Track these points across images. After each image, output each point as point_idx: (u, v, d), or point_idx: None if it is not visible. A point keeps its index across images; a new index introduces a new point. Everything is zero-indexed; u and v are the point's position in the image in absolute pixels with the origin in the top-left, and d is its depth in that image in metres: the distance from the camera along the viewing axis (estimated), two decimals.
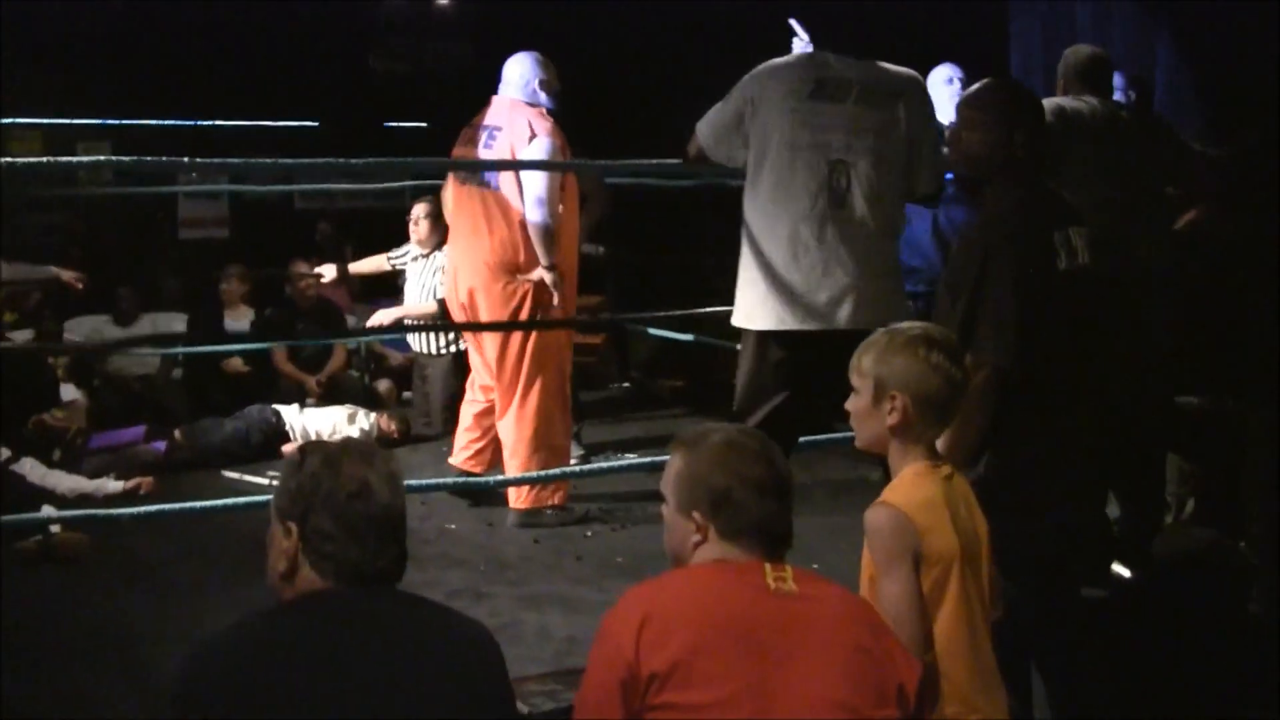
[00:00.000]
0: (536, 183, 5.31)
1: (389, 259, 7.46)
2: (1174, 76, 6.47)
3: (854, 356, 2.72)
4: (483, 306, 5.48)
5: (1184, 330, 4.84)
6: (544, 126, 5.37)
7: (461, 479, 5.62)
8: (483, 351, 5.65)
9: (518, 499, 5.48)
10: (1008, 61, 7.14)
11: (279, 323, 8.04)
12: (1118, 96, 6.12)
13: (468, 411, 5.83)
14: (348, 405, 7.17)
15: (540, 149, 5.34)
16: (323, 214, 10.85)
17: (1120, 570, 4.66)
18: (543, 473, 5.46)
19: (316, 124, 12.17)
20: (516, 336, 5.49)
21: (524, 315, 5.46)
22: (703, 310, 6.30)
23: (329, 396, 7.57)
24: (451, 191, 5.64)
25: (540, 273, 5.42)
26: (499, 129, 5.47)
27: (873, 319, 3.81)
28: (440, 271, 6.72)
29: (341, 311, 8.17)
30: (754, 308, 4.13)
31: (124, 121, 11.27)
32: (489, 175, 5.42)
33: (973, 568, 2.58)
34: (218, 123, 11.83)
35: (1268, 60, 5.88)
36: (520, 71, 5.56)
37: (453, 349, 7.28)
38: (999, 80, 3.63)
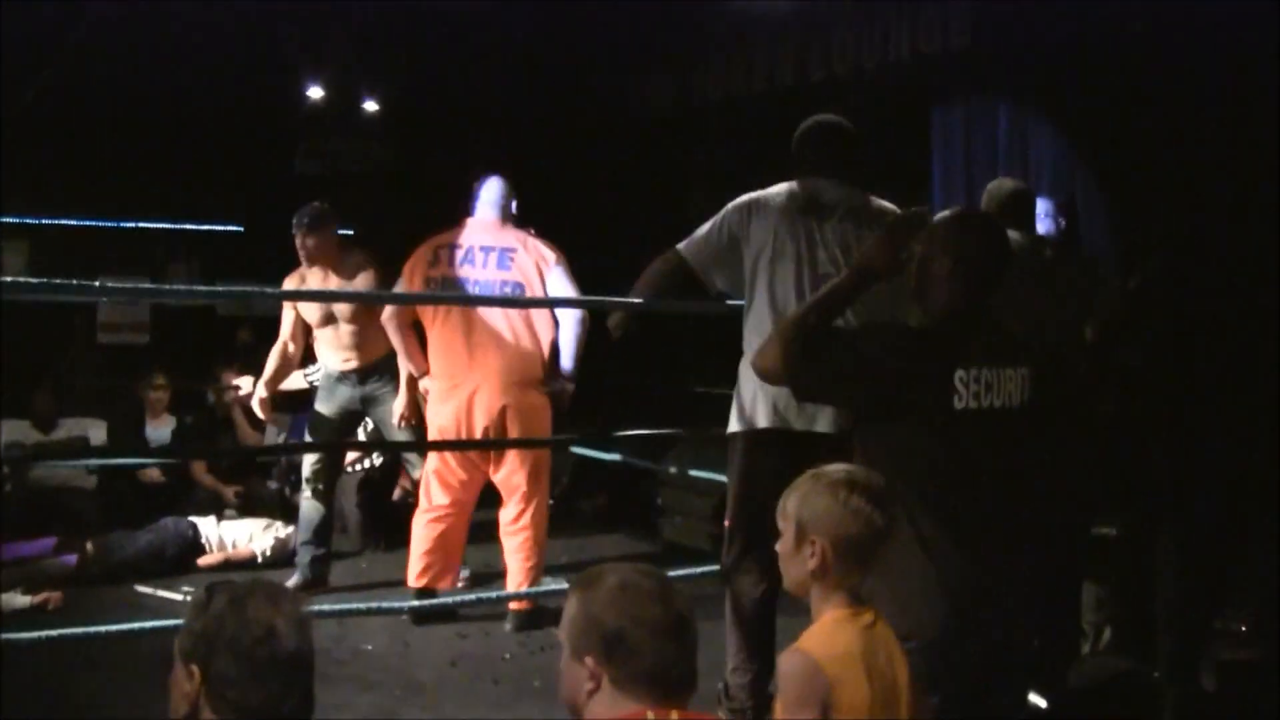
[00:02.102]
0: (574, 298, 5.62)
1: (305, 375, 7.40)
2: (1089, 193, 6.60)
3: (781, 498, 2.72)
4: (513, 420, 5.61)
5: (1097, 458, 4.90)
6: (551, 248, 5.69)
7: (428, 601, 5.67)
8: (491, 465, 5.72)
9: (519, 603, 5.68)
10: (930, 169, 7.27)
11: (201, 432, 7.95)
12: (1046, 223, 6.25)
13: (429, 530, 5.77)
14: (264, 517, 7.08)
15: (563, 272, 5.64)
16: (244, 320, 10.78)
17: (1036, 700, 4.66)
18: (497, 594, 5.76)
19: (240, 228, 12.21)
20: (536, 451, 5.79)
21: (547, 426, 5.75)
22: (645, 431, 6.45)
23: (246, 507, 7.49)
24: (439, 312, 5.68)
25: (562, 384, 5.72)
26: (510, 250, 5.65)
27: (822, 423, 4.10)
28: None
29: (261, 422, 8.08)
30: (743, 412, 4.25)
31: (42, 221, 11.28)
32: (497, 291, 5.59)
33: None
34: (139, 224, 11.84)
35: (1177, 178, 6.03)
36: (499, 193, 5.76)
37: (360, 467, 7.31)
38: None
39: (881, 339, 3.23)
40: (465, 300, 5.62)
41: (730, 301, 4.67)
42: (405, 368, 5.99)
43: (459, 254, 5.65)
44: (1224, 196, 5.82)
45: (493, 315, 5.63)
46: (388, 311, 5.83)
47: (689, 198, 8.96)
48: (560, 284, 5.64)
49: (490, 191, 5.77)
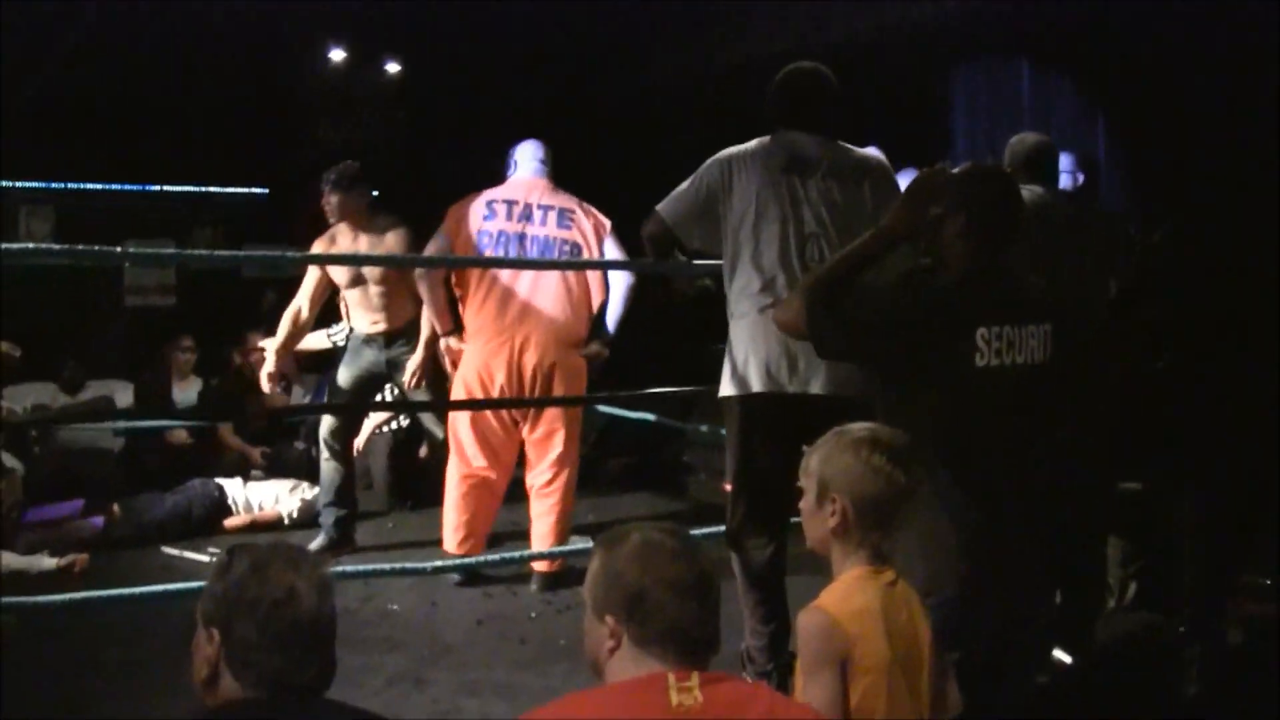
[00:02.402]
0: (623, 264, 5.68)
1: (329, 335, 7.40)
2: (1112, 151, 6.57)
3: (805, 456, 2.72)
4: (559, 379, 5.64)
5: (1121, 413, 4.87)
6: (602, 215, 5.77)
7: (455, 561, 5.59)
8: (528, 424, 5.71)
9: (545, 564, 5.70)
10: (951, 132, 7.24)
11: (228, 394, 7.99)
12: (1066, 178, 6.22)
13: (471, 494, 5.76)
14: (290, 479, 7.11)
15: (616, 239, 5.72)
16: (270, 282, 10.81)
17: (1061, 656, 4.66)
18: (523, 553, 5.75)
19: (266, 191, 12.24)
20: (575, 409, 5.82)
21: (584, 388, 5.81)
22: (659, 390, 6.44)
23: (273, 469, 7.53)
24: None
25: (600, 347, 5.80)
26: (569, 210, 5.71)
27: (847, 388, 3.99)
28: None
29: (290, 382, 8.11)
30: (736, 375, 4.17)
31: (68, 185, 11.33)
32: (549, 254, 5.63)
33: (909, 678, 2.54)
34: (164, 188, 11.89)
35: (1197, 140, 5.98)
36: (545, 153, 5.81)
37: (388, 428, 7.34)
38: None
39: (903, 297, 3.22)
40: (529, 264, 5.61)
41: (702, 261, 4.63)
42: (430, 324, 5.97)
43: (517, 209, 5.66)
44: (1242, 155, 5.78)
45: (551, 273, 5.64)
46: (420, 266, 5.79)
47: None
48: (615, 250, 5.70)
49: (537, 151, 5.78)
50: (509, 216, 5.63)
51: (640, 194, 4.55)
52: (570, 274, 5.65)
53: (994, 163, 3.78)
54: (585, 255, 5.65)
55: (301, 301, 6.50)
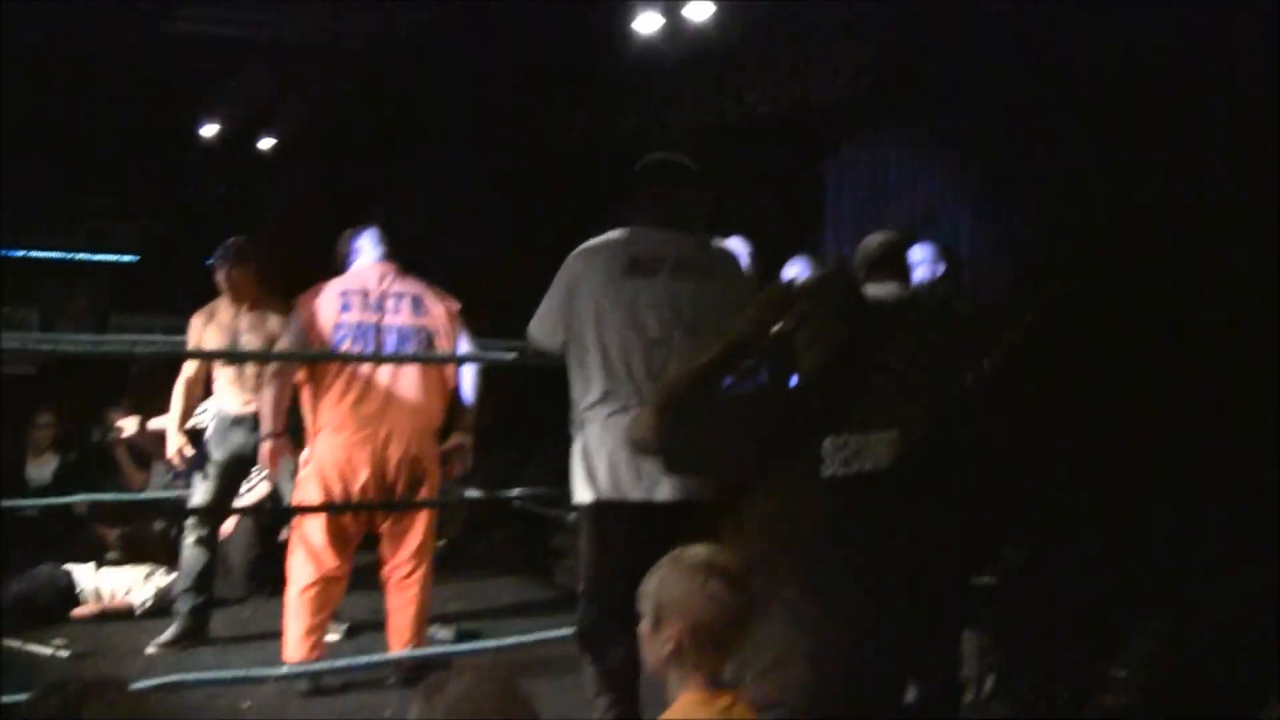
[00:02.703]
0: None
1: (201, 413, 7.22)
2: (979, 230, 6.68)
3: (645, 578, 2.69)
4: (427, 472, 5.54)
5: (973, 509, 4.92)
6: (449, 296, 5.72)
7: (312, 668, 5.43)
8: (387, 517, 5.56)
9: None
10: (824, 210, 7.33)
11: (85, 471, 7.80)
12: (926, 268, 6.31)
13: (319, 600, 5.50)
14: (147, 564, 6.92)
15: (462, 320, 5.68)
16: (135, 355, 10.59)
17: None
18: (381, 657, 5.60)
19: (136, 258, 12.02)
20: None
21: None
22: None
23: (129, 551, 7.32)
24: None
25: (464, 437, 5.73)
26: (420, 296, 5.61)
27: (693, 493, 3.88)
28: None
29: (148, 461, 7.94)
30: (584, 481, 4.11)
31: None
32: (406, 342, 5.52)
33: None
34: (30, 254, 11.63)
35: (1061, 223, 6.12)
36: (382, 240, 5.71)
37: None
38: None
39: (749, 411, 3.21)
40: (406, 359, 5.53)
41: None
42: (267, 422, 5.65)
43: (371, 299, 5.55)
44: (1106, 239, 5.92)
45: (407, 370, 5.54)
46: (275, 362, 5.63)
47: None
48: (464, 333, 5.65)
49: (376, 239, 5.70)
50: (364, 307, 5.53)
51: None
52: (430, 364, 5.58)
53: (840, 269, 3.78)
54: (440, 340, 5.58)
55: (189, 374, 6.42)
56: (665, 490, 3.96)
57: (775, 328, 3.29)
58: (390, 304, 5.56)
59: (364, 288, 5.57)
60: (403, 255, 5.74)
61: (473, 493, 7.99)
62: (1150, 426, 5.43)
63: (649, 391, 3.95)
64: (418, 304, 5.60)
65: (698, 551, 2.68)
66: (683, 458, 3.32)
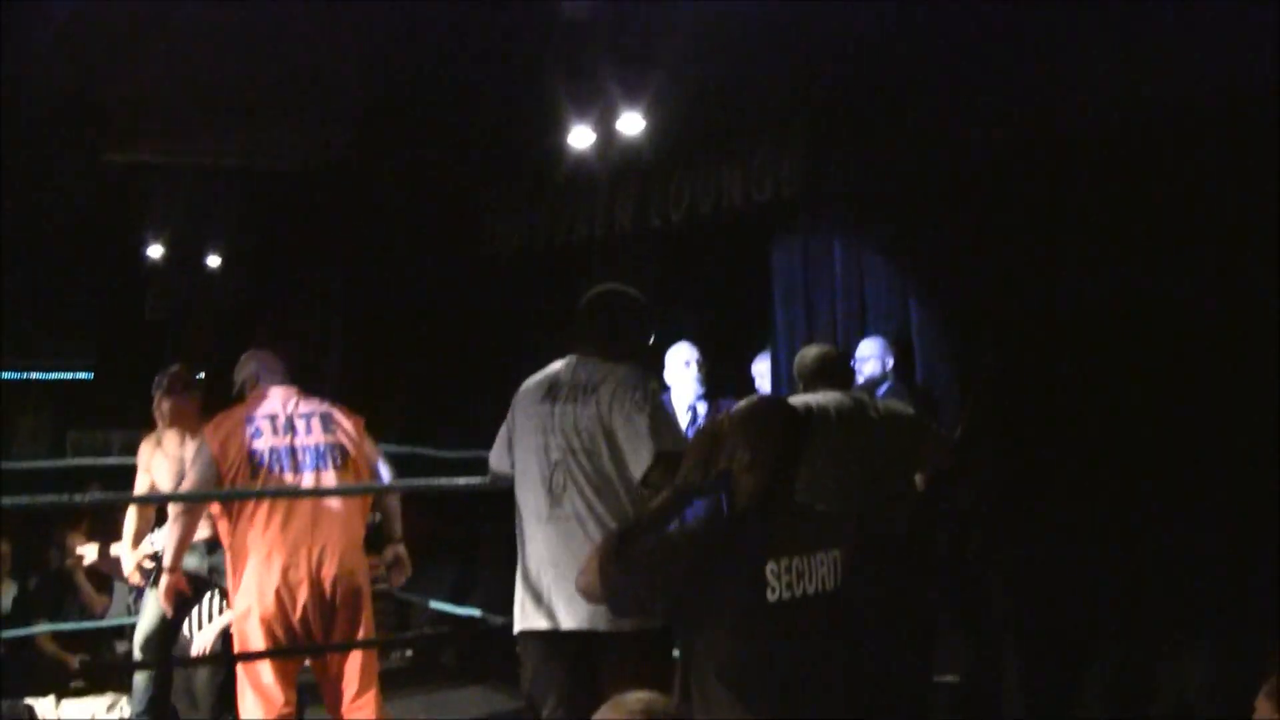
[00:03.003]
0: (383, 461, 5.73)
1: (150, 542, 7.20)
2: (924, 328, 6.78)
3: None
4: (361, 589, 5.47)
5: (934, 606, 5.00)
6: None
7: None
8: (329, 637, 5.45)
9: None
10: (771, 308, 7.42)
11: (44, 597, 7.74)
12: (876, 363, 6.41)
13: None
14: (110, 693, 6.87)
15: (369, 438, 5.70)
16: (95, 472, 10.55)
17: None
18: None
19: (90, 375, 12.03)
20: (370, 614, 5.59)
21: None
22: None
23: (92, 677, 7.27)
24: (273, 479, 5.45)
25: (397, 546, 5.73)
26: (328, 414, 5.61)
27: (595, 620, 3.91)
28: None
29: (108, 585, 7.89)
30: (521, 607, 4.15)
31: None
32: (323, 461, 5.49)
33: None
34: None
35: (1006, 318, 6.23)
36: (283, 365, 5.76)
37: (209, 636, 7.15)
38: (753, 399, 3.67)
39: (691, 545, 3.27)
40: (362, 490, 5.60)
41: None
42: (168, 557, 5.59)
43: (280, 423, 5.52)
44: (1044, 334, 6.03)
45: (331, 482, 5.52)
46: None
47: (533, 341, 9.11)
48: (370, 444, 5.68)
49: (279, 362, 5.76)
50: (275, 431, 5.49)
51: None
52: (351, 478, 5.56)
53: (775, 396, 3.83)
54: (353, 455, 5.56)
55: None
56: (602, 621, 3.94)
57: (719, 464, 3.37)
58: (300, 425, 5.53)
59: (271, 412, 5.52)
60: (308, 375, 5.81)
61: (437, 605, 8.05)
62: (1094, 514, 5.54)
63: (547, 516, 4.06)
64: (326, 421, 5.59)
65: (636, 699, 2.68)
66: (630, 603, 3.37)
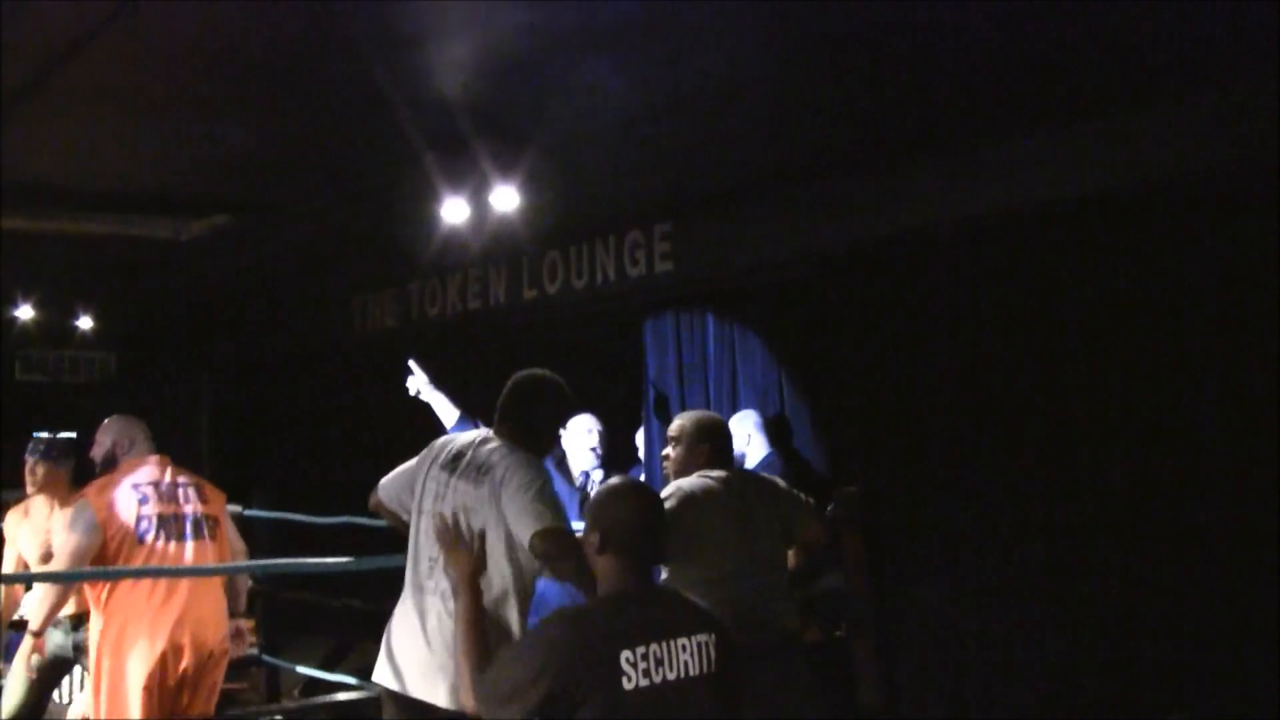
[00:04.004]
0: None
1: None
2: (794, 399, 6.91)
3: None
4: (227, 655, 5.61)
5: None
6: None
7: None
8: (191, 700, 5.48)
9: None
10: (645, 381, 7.51)
11: None
12: (744, 440, 6.47)
13: None
14: None
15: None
16: None
17: None
18: None
19: None
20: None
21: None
22: None
23: None
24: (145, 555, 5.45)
25: (240, 620, 5.92)
26: (199, 485, 5.72)
27: (440, 695, 3.97)
28: None
29: None
30: (379, 664, 4.20)
31: None
32: (200, 530, 5.57)
33: None
34: None
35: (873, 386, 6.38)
36: (146, 430, 5.77)
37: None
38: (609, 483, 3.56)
39: (540, 645, 3.18)
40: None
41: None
42: (36, 620, 5.57)
43: (163, 489, 5.57)
44: (918, 410, 6.19)
45: (208, 549, 5.59)
46: (65, 558, 5.40)
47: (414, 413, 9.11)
48: (228, 517, 5.87)
49: (146, 430, 5.77)
50: (159, 499, 5.54)
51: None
52: (209, 548, 5.62)
53: (630, 480, 3.81)
54: (221, 526, 5.73)
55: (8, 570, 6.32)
56: (444, 696, 3.99)
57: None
58: (180, 493, 5.62)
59: (154, 479, 5.59)
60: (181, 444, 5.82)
61: (306, 670, 7.97)
62: None
63: (416, 585, 4.15)
64: (200, 491, 5.70)
65: None
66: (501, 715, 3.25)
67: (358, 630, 8.79)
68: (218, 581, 5.66)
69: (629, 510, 3.32)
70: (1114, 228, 5.46)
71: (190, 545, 5.56)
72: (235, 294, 9.64)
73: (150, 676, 5.39)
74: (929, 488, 6.11)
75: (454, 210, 6.34)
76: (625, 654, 3.09)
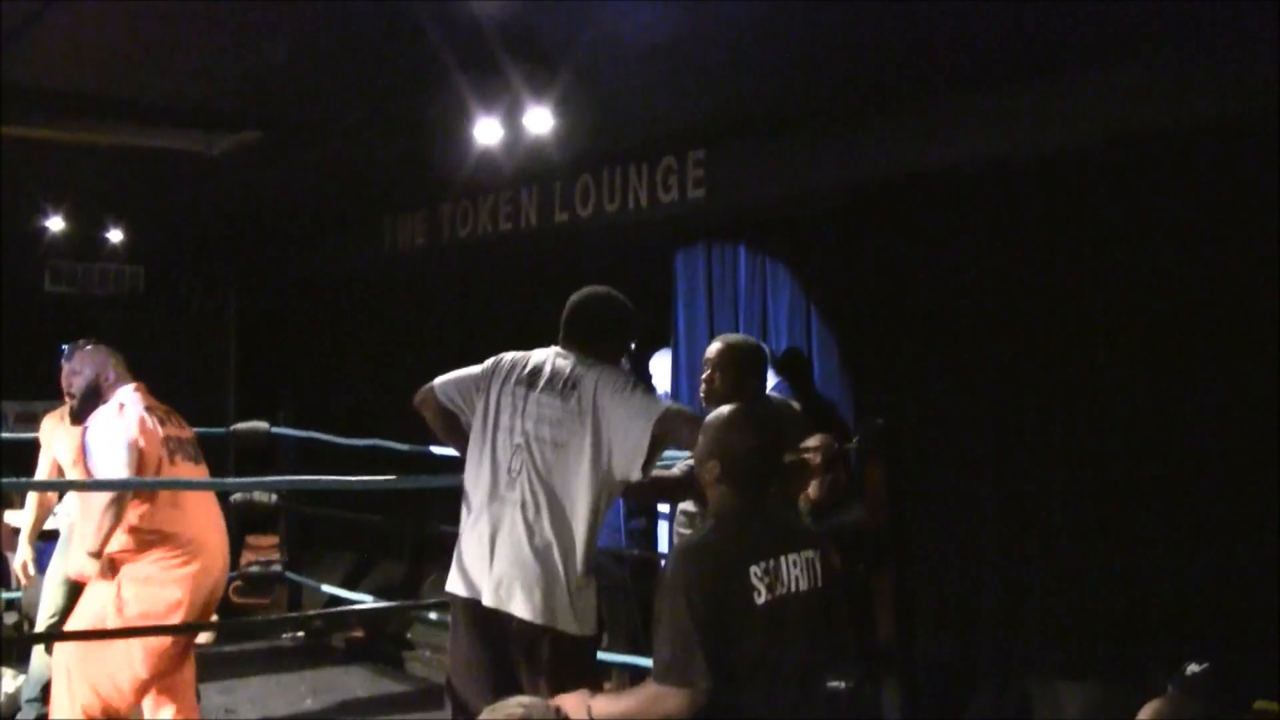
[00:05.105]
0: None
1: (58, 513, 7.09)
2: (824, 336, 6.89)
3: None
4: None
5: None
6: None
7: None
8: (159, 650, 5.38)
9: None
10: (675, 315, 7.50)
11: None
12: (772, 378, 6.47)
13: None
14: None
15: None
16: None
17: None
18: None
19: None
20: None
21: None
22: None
23: None
24: (182, 468, 5.45)
25: None
26: (174, 412, 5.64)
27: (528, 609, 3.97)
28: None
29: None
30: (452, 572, 4.20)
31: None
32: (200, 454, 5.58)
33: None
34: None
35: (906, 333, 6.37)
36: (123, 360, 5.69)
37: None
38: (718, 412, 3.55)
39: (678, 588, 3.20)
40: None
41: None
42: (95, 540, 5.26)
43: (162, 414, 5.52)
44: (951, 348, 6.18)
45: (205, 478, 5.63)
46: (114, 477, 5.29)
47: (441, 335, 9.15)
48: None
49: (122, 359, 5.68)
50: (166, 423, 5.49)
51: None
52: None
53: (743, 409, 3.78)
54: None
55: (43, 477, 6.35)
56: (520, 605, 4.00)
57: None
58: (173, 419, 5.56)
59: (150, 405, 5.49)
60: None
61: (329, 589, 8.05)
62: None
63: (494, 496, 4.11)
64: (180, 418, 5.64)
65: (518, 702, 2.74)
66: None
67: (379, 548, 8.90)
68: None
69: (745, 438, 3.38)
70: (1133, 168, 5.45)
71: (203, 468, 5.60)
72: (265, 212, 9.62)
73: (205, 590, 5.41)
74: (952, 421, 6.11)
75: (487, 131, 6.28)
76: (754, 569, 3.23)
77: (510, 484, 4.11)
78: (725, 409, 3.53)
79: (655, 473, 4.25)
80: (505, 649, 4.05)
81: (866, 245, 6.56)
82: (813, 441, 5.10)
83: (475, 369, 4.35)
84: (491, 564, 4.08)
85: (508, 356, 4.32)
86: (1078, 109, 5.49)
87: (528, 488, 4.07)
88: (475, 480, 4.20)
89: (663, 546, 6.57)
